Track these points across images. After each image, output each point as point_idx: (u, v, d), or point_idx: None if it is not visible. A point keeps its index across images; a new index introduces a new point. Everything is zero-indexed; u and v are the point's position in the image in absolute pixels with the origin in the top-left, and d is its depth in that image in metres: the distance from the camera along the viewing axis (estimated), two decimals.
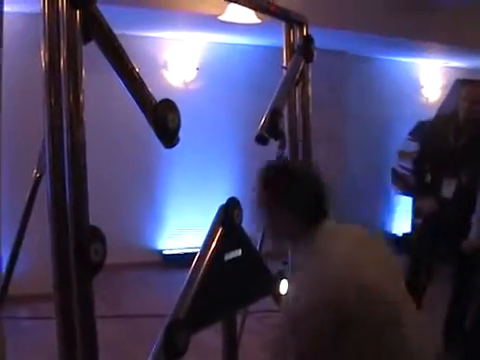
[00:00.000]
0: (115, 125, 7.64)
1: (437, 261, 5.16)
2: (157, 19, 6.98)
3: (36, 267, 5.02)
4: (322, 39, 3.53)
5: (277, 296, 3.08)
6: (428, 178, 5.09)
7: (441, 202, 4.85)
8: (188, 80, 8.34)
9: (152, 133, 2.22)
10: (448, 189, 4.82)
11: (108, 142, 7.37)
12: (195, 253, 2.62)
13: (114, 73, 2.11)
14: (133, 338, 5.33)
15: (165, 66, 8.20)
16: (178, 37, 8.15)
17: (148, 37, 7.80)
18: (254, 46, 8.54)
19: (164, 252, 8.40)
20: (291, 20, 3.48)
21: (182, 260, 7.95)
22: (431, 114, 8.41)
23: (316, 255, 2.19)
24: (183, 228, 8.37)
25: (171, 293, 2.48)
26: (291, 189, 2.32)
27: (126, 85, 2.16)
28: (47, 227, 1.92)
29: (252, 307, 3.25)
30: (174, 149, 2.35)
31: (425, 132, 5.53)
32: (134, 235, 8.12)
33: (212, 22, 6.41)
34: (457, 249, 4.77)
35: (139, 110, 2.19)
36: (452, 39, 8.14)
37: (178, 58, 8.25)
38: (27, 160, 2.62)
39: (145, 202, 8.26)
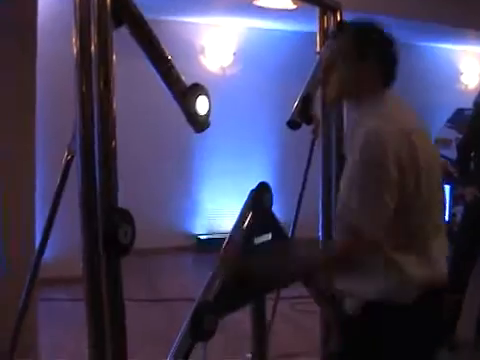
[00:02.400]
0: (150, 110, 7.68)
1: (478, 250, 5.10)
2: (194, 4, 6.99)
3: (68, 250, 5.10)
4: None
5: (307, 281, 3.10)
6: (472, 166, 5.02)
7: None
8: (225, 65, 8.35)
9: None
10: None
11: (143, 127, 7.41)
12: None
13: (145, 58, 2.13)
14: (170, 321, 5.37)
15: (202, 52, 8.22)
16: (215, 23, 8.16)
17: (185, 22, 7.82)
18: (290, 31, 8.52)
19: (199, 237, 8.45)
20: (325, 5, 3.47)
21: (217, 244, 8.01)
22: (470, 101, 8.33)
23: (380, 117, 2.25)
24: (218, 212, 8.41)
25: (206, 277, 2.50)
26: (380, 44, 2.39)
27: (157, 70, 2.18)
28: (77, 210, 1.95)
29: (284, 292, 3.27)
30: (210, 134, 2.38)
31: (469, 119, 5.44)
32: (170, 220, 8.18)
33: (248, 7, 6.42)
34: None
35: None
36: None
37: (215, 44, 8.26)
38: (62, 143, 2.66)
39: (181, 187, 8.31)
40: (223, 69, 8.34)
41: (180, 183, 8.27)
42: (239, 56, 8.37)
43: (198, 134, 2.36)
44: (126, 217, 1.97)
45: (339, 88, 2.37)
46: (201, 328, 2.27)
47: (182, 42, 7.53)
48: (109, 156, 1.94)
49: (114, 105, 1.96)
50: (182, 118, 2.30)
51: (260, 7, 6.01)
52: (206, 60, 8.24)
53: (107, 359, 1.96)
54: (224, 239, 7.41)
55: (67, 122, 2.32)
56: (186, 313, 2.38)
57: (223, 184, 8.34)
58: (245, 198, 2.77)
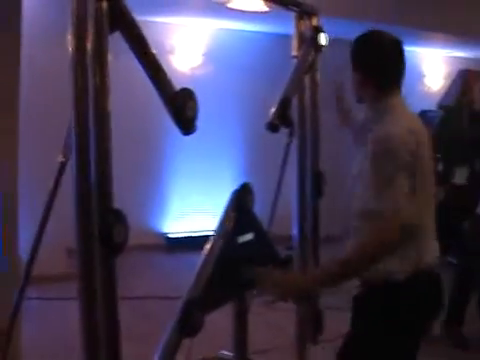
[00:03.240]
0: (121, 109, 7.70)
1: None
2: (165, 4, 7.03)
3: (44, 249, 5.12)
4: (328, 28, 3.60)
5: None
6: (440, 167, 5.18)
7: (454, 189, 4.93)
8: (194, 66, 8.40)
9: (159, 117, 2.32)
10: (461, 176, 4.91)
11: (113, 126, 7.40)
12: (197, 236, 2.71)
13: (126, 59, 2.19)
14: (138, 319, 5.42)
15: (172, 51, 8.26)
16: (185, 23, 8.20)
17: (156, 22, 7.84)
18: (261, 33, 8.59)
19: (168, 235, 8.49)
20: (301, 10, 3.55)
21: (186, 243, 8.07)
22: (433, 103, 8.51)
23: (390, 113, 2.54)
24: (187, 212, 8.45)
25: (175, 275, 2.57)
26: (379, 61, 2.65)
27: (148, 74, 2.24)
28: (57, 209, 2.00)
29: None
30: (179, 133, 2.44)
31: (436, 122, 5.60)
32: (138, 218, 8.19)
33: (220, 9, 6.47)
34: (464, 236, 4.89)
35: (148, 95, 2.27)
36: (457, 29, 8.19)
37: (185, 44, 8.30)
38: (51, 146, 2.70)
39: (151, 186, 8.34)
40: (192, 69, 8.39)
41: (150, 182, 8.31)
42: (209, 57, 8.43)
43: (167, 134, 2.43)
44: (120, 216, 2.04)
45: (355, 91, 2.70)
46: (190, 324, 2.34)
47: (152, 42, 7.49)
48: (105, 156, 2.01)
49: (109, 106, 2.02)
50: (153, 117, 2.37)
51: (232, 9, 6.06)
52: (176, 60, 8.28)
53: (101, 357, 2.02)
54: (192, 238, 7.49)
55: (51, 124, 2.37)
56: (155, 311, 2.44)
57: (192, 184, 8.38)
58: (214, 198, 2.85)
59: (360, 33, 2.71)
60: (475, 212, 4.52)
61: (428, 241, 2.57)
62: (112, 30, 2.06)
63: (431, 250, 2.59)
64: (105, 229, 1.98)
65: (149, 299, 6.12)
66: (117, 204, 2.06)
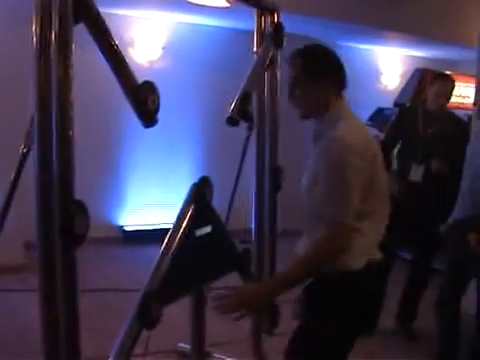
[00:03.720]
0: (78, 98, 7.66)
1: (398, 245, 5.28)
2: None
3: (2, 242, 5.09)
4: (288, 24, 3.64)
5: (243, 271, 3.22)
6: (395, 164, 5.26)
7: (410, 186, 5.00)
8: (153, 59, 8.38)
9: (119, 109, 2.33)
10: (416, 174, 4.99)
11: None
12: (154, 229, 2.72)
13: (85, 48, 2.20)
14: (97, 311, 5.40)
15: (131, 44, 8.23)
16: (145, 16, 8.17)
17: (116, 15, 7.79)
18: (221, 28, 8.59)
19: (124, 228, 8.46)
20: (263, 7, 3.58)
21: (142, 236, 8.05)
22: (389, 101, 8.60)
23: (343, 119, 2.58)
24: (144, 204, 8.44)
25: (132, 268, 2.58)
26: (327, 62, 2.69)
27: (111, 66, 2.26)
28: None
29: (214, 284, 3.38)
30: (137, 126, 2.46)
31: (393, 118, 5.67)
32: (94, 210, 8.03)
33: (180, 2, 6.47)
34: (424, 234, 4.98)
35: (108, 87, 2.28)
36: (413, 28, 8.31)
37: (144, 37, 8.28)
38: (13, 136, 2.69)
39: (107, 179, 8.29)
40: (151, 62, 8.37)
41: (107, 175, 8.26)
42: (168, 50, 8.41)
43: (125, 125, 2.44)
44: (82, 208, 2.05)
45: (304, 106, 2.67)
46: (149, 316, 2.37)
47: (112, 34, 7.52)
48: (67, 148, 2.02)
49: (72, 96, 2.04)
50: (109, 107, 2.39)
51: (193, 3, 6.07)
52: (135, 53, 8.25)
53: (61, 347, 2.03)
54: (149, 231, 7.46)
55: (13, 114, 2.37)
56: (113, 303, 2.45)
57: (150, 177, 8.36)
58: (171, 191, 2.87)
59: (303, 45, 2.68)
60: (449, 217, 4.60)
61: (379, 238, 2.68)
62: (76, 21, 2.07)
63: (377, 245, 2.69)
64: (67, 220, 2.00)
65: (109, 291, 6.10)
66: (76, 196, 2.07)
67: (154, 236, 5.31)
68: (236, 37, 7.97)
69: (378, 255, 2.64)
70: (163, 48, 8.37)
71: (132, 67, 2.37)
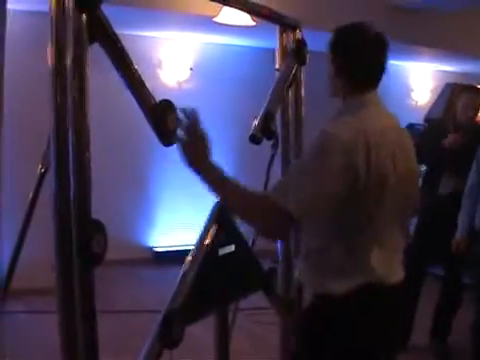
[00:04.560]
0: (109, 121, 7.71)
1: (429, 261, 5.21)
2: (152, 19, 7.05)
3: (31, 262, 5.11)
4: (315, 41, 3.62)
5: (269, 291, 3.19)
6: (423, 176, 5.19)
7: (439, 199, 4.94)
8: (182, 80, 8.41)
9: (145, 130, 2.32)
10: (446, 187, 4.93)
11: (100, 137, 7.35)
12: (186, 250, 2.69)
13: (108, 71, 2.20)
14: (126, 333, 5.40)
15: (160, 65, 8.28)
16: (173, 37, 8.22)
17: (143, 36, 7.86)
18: (248, 47, 8.62)
19: (155, 249, 8.47)
20: (284, 24, 3.56)
21: (173, 257, 8.04)
22: (420, 117, 8.54)
23: (341, 123, 2.37)
24: (174, 225, 8.44)
25: (162, 289, 2.55)
26: (357, 58, 2.45)
27: (127, 85, 2.25)
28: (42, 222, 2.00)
29: (242, 304, 3.35)
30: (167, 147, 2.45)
31: (422, 134, 5.62)
32: (125, 232, 8.17)
33: (207, 23, 6.50)
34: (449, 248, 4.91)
35: (135, 108, 2.28)
36: (443, 44, 8.25)
37: (172, 58, 8.32)
38: (31, 156, 2.70)
39: (137, 199, 8.32)
40: (179, 83, 8.40)
41: (136, 195, 8.29)
42: (196, 70, 8.44)
43: (155, 147, 2.43)
44: (99, 227, 2.04)
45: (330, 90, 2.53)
46: (170, 336, 2.34)
47: (140, 56, 7.51)
48: (83, 168, 2.01)
49: (88, 117, 2.03)
50: (139, 129, 2.38)
51: (219, 23, 6.09)
52: (163, 74, 8.30)
53: None
54: (180, 252, 7.44)
55: (35, 139, 2.37)
56: (142, 324, 2.44)
57: (179, 197, 8.37)
58: (202, 212, 2.85)
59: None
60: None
61: (382, 255, 2.36)
62: (91, 41, 2.07)
63: (386, 264, 2.39)
64: (84, 239, 1.98)
65: (136, 313, 6.10)
66: (104, 218, 2.05)
67: (185, 256, 5.31)
68: (264, 56, 7.96)
69: (382, 274, 2.37)
70: (191, 68, 8.40)
71: (160, 88, 2.37)
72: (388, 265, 2.41)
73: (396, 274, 2.46)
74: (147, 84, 2.28)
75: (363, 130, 2.28)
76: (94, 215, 2.02)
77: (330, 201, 2.22)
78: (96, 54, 2.14)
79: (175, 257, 8.47)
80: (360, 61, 2.44)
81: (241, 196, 2.41)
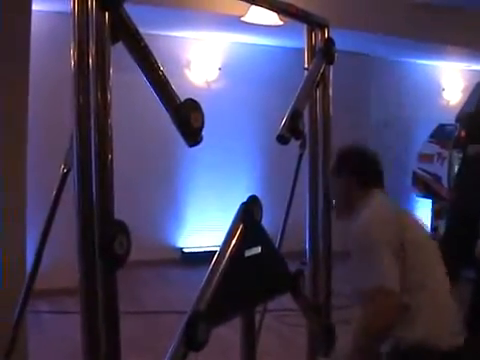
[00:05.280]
0: (137, 122, 7.73)
1: (461, 265, 5.15)
2: (180, 19, 7.05)
3: (56, 262, 5.13)
4: (344, 41, 3.58)
5: (296, 294, 3.14)
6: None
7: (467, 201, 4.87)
8: (210, 80, 8.41)
9: (174, 131, 2.29)
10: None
11: (129, 138, 7.42)
12: (214, 251, 2.67)
13: (137, 72, 2.17)
14: (154, 334, 5.40)
15: (188, 66, 8.28)
16: (201, 37, 8.22)
17: (171, 36, 7.87)
18: (276, 47, 8.59)
19: (184, 250, 8.47)
20: (312, 22, 3.52)
21: (201, 258, 8.03)
22: (451, 117, 8.44)
23: (368, 206, 2.81)
24: (203, 226, 8.43)
25: (190, 290, 2.53)
26: (361, 163, 3.10)
27: (151, 85, 2.22)
28: (69, 222, 1.98)
29: (270, 305, 3.31)
30: (196, 147, 2.42)
31: (456, 171, 5.59)
32: (154, 232, 8.19)
33: (234, 23, 6.48)
34: None
35: (162, 108, 2.25)
36: (474, 42, 8.15)
37: (201, 58, 8.32)
38: (54, 156, 2.70)
39: (166, 200, 8.33)
40: (208, 83, 8.39)
41: (165, 196, 8.30)
42: (224, 70, 8.43)
43: (184, 147, 2.39)
44: (122, 228, 2.01)
45: (336, 206, 3.13)
46: (195, 338, 2.30)
47: (168, 56, 7.55)
48: (106, 168, 1.98)
49: (111, 118, 2.00)
50: (168, 131, 2.34)
51: (247, 23, 6.06)
52: (191, 74, 8.29)
53: None
54: (208, 252, 7.52)
55: (58, 142, 2.36)
56: (170, 325, 2.41)
57: (208, 197, 8.37)
58: (230, 212, 2.82)
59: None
60: None
61: (437, 320, 2.58)
62: (114, 41, 2.04)
63: (443, 331, 2.59)
64: (106, 240, 1.95)
65: (165, 313, 6.10)
66: (133, 219, 2.03)
67: (213, 257, 5.29)
68: (292, 55, 7.91)
69: (439, 341, 2.55)
70: (219, 68, 8.39)
71: (189, 88, 2.35)
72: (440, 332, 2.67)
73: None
74: (175, 84, 2.25)
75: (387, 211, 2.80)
76: (123, 216, 2.00)
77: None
78: (122, 53, 2.12)
79: (203, 258, 8.43)
80: (365, 167, 3.09)
81: (357, 337, 2.68)
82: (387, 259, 2.47)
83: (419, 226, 2.84)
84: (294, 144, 3.30)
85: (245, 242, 2.72)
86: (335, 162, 3.14)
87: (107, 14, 1.98)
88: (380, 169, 3.08)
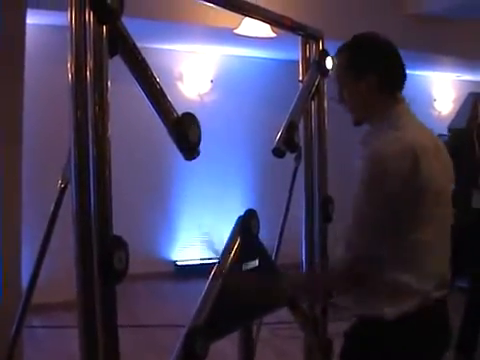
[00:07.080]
0: (130, 135, 7.71)
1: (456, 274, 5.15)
2: (173, 31, 7.04)
3: (52, 277, 5.09)
4: (333, 52, 3.57)
5: (293, 306, 3.13)
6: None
7: (471, 213, 4.88)
8: (203, 92, 8.41)
9: (166, 143, 2.28)
10: (478, 201, 4.86)
11: (123, 152, 7.40)
12: (208, 264, 2.66)
13: (129, 83, 2.17)
14: (148, 348, 5.37)
15: (180, 78, 8.28)
16: (193, 50, 8.22)
17: (164, 49, 7.87)
18: (268, 59, 8.60)
19: (177, 263, 8.44)
20: (307, 34, 3.52)
21: (195, 271, 8.01)
22: (444, 127, 8.46)
23: (386, 138, 2.31)
24: (196, 239, 8.42)
25: (184, 303, 2.52)
26: (382, 56, 2.47)
27: (149, 98, 2.21)
28: (65, 237, 1.96)
29: (266, 318, 3.29)
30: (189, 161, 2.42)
31: (449, 145, 5.58)
32: (147, 246, 8.16)
33: (227, 35, 6.48)
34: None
35: (155, 121, 2.24)
36: (465, 52, 8.18)
37: (193, 70, 8.32)
38: (51, 171, 2.68)
39: (159, 213, 8.31)
40: (201, 96, 8.40)
41: (158, 209, 8.28)
42: (217, 83, 8.44)
43: (177, 161, 2.39)
44: (120, 243, 2.00)
45: (353, 110, 2.51)
46: (193, 353, 2.29)
47: (160, 68, 7.47)
48: (104, 183, 1.97)
49: (109, 132, 1.99)
50: (160, 143, 2.34)
51: (240, 35, 6.06)
52: (184, 87, 8.29)
53: None
54: (202, 266, 7.45)
55: (53, 154, 2.35)
56: (164, 339, 2.40)
57: (201, 211, 8.35)
58: (224, 226, 2.81)
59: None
60: None
61: (434, 272, 2.40)
62: (112, 54, 2.03)
63: (437, 282, 2.41)
64: (105, 255, 1.94)
65: (158, 327, 6.07)
66: (126, 232, 2.02)
67: (207, 270, 5.28)
68: (285, 68, 7.94)
69: (436, 293, 2.39)
70: (212, 81, 8.39)
71: (181, 101, 2.34)
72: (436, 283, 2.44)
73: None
74: (168, 97, 2.24)
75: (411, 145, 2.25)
76: (116, 230, 1.99)
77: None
78: (118, 67, 2.11)
79: (197, 271, 8.47)
80: (392, 68, 2.48)
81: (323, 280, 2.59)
82: (378, 224, 2.23)
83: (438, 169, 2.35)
84: (288, 157, 3.29)
85: (243, 256, 2.71)
86: (347, 54, 2.48)
87: (105, 28, 1.97)
88: (403, 63, 2.54)
